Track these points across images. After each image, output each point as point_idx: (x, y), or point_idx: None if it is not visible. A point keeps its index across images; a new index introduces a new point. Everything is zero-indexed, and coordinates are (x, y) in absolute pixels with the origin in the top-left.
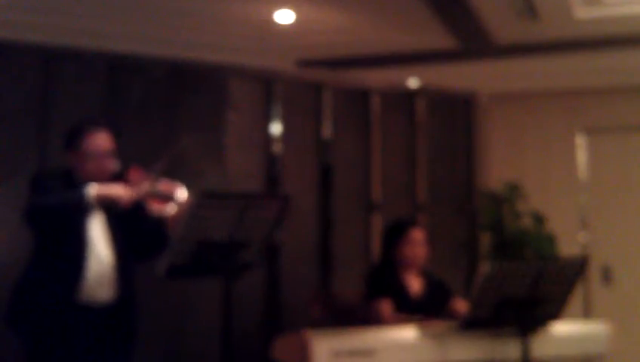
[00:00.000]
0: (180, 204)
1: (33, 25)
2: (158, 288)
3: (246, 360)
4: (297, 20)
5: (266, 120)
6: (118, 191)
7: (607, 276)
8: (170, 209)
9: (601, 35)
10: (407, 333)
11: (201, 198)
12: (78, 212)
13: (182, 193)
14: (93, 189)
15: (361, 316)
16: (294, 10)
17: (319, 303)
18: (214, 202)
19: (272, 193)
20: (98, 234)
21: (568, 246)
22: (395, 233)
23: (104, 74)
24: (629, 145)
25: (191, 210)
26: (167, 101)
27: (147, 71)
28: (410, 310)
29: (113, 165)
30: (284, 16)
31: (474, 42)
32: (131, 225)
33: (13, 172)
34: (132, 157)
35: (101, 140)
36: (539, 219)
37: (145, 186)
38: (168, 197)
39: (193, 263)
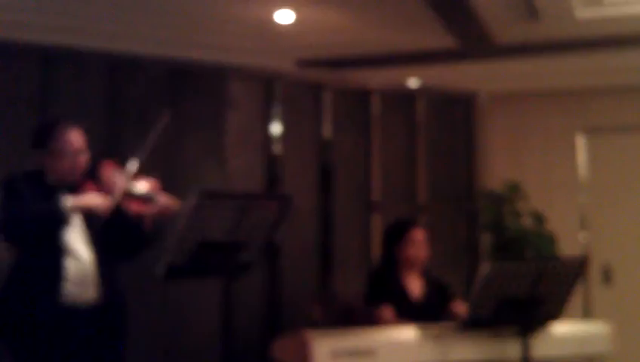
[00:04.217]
0: (158, 204)
1: (33, 25)
2: (158, 288)
3: (246, 360)
4: (297, 20)
5: (266, 120)
6: (94, 201)
7: (607, 276)
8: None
9: (601, 35)
10: (407, 333)
11: (201, 198)
12: (54, 225)
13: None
14: (68, 202)
15: (362, 317)
16: (294, 10)
17: (321, 305)
18: (214, 202)
19: (272, 193)
20: (76, 236)
21: (568, 247)
22: (396, 233)
23: (104, 74)
24: (629, 145)
25: (191, 210)
26: (167, 101)
27: (147, 71)
28: (411, 313)
29: (86, 162)
30: (284, 16)
31: (474, 42)
32: (108, 225)
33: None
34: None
35: (73, 137)
36: (539, 219)
37: (120, 188)
38: (145, 198)
39: (193, 263)
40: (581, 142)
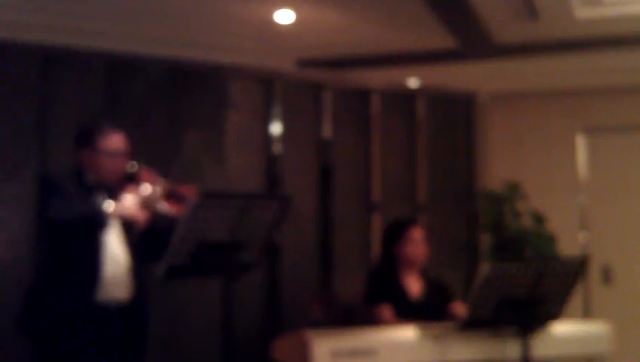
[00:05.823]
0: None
1: (33, 25)
2: (158, 288)
3: (246, 360)
4: (297, 20)
5: (266, 120)
6: (133, 213)
7: (607, 276)
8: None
9: (601, 35)
10: (407, 333)
11: (201, 198)
12: (92, 227)
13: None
14: (109, 208)
15: (362, 317)
16: (294, 10)
17: (321, 304)
18: (214, 202)
19: (272, 193)
20: (114, 236)
21: (568, 247)
22: (395, 232)
23: (104, 74)
24: (629, 145)
25: (191, 210)
26: (167, 101)
27: (147, 71)
28: (409, 313)
29: (127, 166)
30: (284, 16)
31: (474, 42)
32: (145, 232)
33: (13, 172)
34: (132, 158)
35: (118, 140)
36: (539, 219)
37: (157, 197)
38: (181, 198)
39: (193, 263)
40: (581, 142)
